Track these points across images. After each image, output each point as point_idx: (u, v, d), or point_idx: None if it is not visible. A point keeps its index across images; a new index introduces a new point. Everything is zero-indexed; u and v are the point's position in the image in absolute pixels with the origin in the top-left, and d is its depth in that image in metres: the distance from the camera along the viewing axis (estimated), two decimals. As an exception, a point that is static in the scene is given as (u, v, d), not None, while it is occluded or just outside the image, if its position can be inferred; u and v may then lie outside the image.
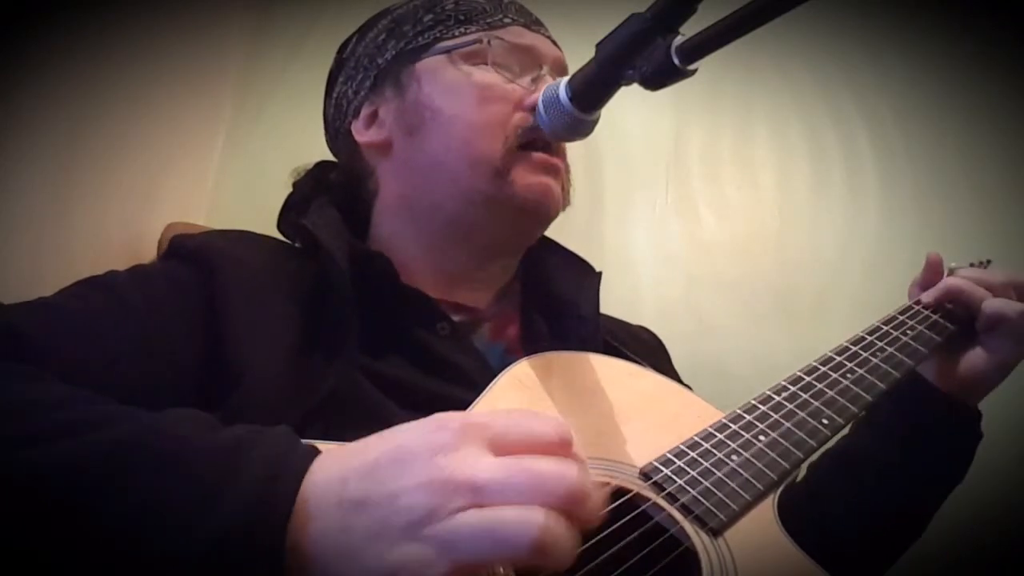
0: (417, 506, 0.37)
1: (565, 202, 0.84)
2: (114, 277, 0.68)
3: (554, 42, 0.88)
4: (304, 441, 0.44)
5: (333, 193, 0.86)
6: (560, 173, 0.81)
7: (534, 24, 0.87)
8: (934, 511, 0.82)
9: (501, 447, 0.40)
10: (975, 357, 0.80)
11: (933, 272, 0.87)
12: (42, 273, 0.84)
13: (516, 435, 0.40)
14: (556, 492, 0.37)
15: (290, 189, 0.89)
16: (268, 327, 0.67)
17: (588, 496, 0.38)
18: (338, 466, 0.41)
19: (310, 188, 0.88)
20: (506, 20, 0.84)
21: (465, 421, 0.41)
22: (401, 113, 0.83)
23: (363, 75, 0.87)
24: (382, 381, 0.67)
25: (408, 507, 0.37)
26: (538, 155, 0.78)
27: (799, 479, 0.82)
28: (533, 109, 0.76)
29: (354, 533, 0.38)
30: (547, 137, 0.76)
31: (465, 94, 0.79)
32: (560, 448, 0.40)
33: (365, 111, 0.86)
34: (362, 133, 0.85)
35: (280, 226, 0.87)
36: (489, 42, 0.81)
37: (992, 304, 0.79)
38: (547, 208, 0.80)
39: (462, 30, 0.82)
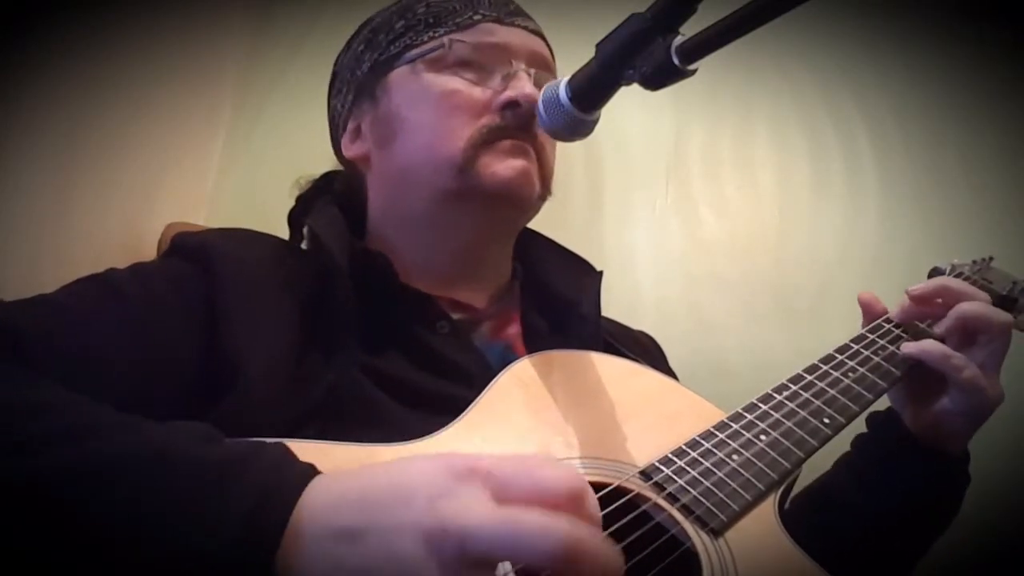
0: (408, 548, 0.37)
1: (544, 189, 0.82)
2: (113, 274, 0.67)
3: (534, 31, 0.85)
4: (301, 442, 0.44)
5: (336, 195, 0.86)
6: (531, 154, 0.78)
7: (509, 16, 0.83)
8: (916, 556, 0.78)
9: (505, 496, 0.38)
10: (944, 405, 0.73)
11: (870, 311, 0.82)
12: (42, 273, 0.84)
13: (522, 485, 0.39)
14: (538, 549, 0.35)
15: (289, 189, 0.90)
16: (268, 324, 0.67)
17: (578, 558, 0.36)
18: (334, 492, 0.41)
19: (314, 194, 0.89)
20: (476, 17, 0.81)
21: (471, 466, 0.40)
22: (375, 126, 0.83)
23: (346, 89, 0.87)
24: (382, 379, 0.67)
25: (400, 548, 0.37)
26: (504, 142, 0.76)
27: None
28: (501, 109, 0.76)
29: (343, 564, 0.38)
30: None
31: (428, 104, 0.78)
32: (569, 503, 0.38)
33: (351, 125, 0.86)
34: (348, 148, 0.86)
35: (292, 237, 0.88)
36: (450, 46, 0.79)
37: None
38: (520, 189, 0.77)
39: (430, 35, 0.81)
